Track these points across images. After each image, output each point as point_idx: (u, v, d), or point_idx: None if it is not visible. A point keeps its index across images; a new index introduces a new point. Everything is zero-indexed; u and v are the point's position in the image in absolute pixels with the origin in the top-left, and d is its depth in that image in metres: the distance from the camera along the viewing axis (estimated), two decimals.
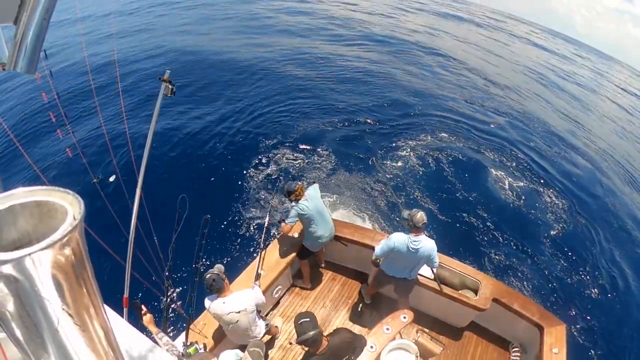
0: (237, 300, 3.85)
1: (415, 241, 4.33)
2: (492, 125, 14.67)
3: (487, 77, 22.21)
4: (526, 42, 43.12)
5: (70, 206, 0.77)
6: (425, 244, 4.37)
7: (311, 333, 3.39)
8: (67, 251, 0.72)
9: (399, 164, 10.75)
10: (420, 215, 4.29)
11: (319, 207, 4.95)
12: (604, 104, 27.44)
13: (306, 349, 3.60)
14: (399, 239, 4.40)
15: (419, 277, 5.02)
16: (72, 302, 0.77)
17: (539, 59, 36.07)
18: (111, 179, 3.69)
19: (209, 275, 3.76)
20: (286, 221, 4.97)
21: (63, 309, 0.75)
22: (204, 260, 3.81)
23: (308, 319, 3.49)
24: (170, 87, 3.37)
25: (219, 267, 3.89)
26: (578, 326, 7.13)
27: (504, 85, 21.54)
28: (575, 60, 46.36)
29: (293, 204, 4.91)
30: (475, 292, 5.05)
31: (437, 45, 26.16)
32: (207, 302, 3.88)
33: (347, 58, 19.17)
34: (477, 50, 29.24)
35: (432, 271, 4.87)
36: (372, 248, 5.39)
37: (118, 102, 9.90)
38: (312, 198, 4.89)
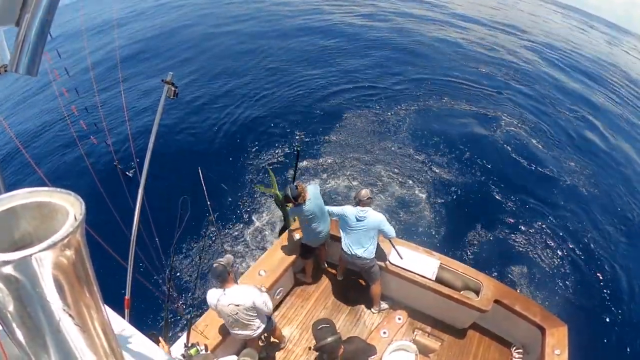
0: (237, 293, 3.84)
1: (362, 210, 4.77)
2: (504, 91, 14.89)
3: (495, 44, 22.52)
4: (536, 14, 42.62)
5: (71, 207, 0.77)
6: (372, 214, 4.80)
7: (329, 339, 3.35)
8: (69, 252, 0.72)
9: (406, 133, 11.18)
10: (365, 192, 4.81)
11: (320, 205, 4.98)
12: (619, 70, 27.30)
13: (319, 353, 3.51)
14: (349, 209, 4.89)
15: (419, 277, 5.03)
16: (73, 302, 0.77)
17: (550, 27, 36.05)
18: (129, 173, 3.68)
19: (216, 264, 3.74)
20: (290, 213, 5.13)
21: (64, 309, 0.75)
22: (206, 261, 3.81)
23: (328, 325, 3.44)
24: (173, 89, 3.35)
25: (228, 258, 3.88)
26: (581, 327, 7.08)
27: (513, 52, 21.90)
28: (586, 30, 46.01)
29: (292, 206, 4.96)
30: (477, 293, 5.04)
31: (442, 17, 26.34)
32: (209, 296, 3.87)
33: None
34: (485, 20, 29.33)
35: (391, 242, 5.13)
36: None
37: (120, 103, 9.91)
38: (315, 197, 4.90)
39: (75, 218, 0.74)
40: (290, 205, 5.09)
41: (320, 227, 5.05)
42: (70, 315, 0.77)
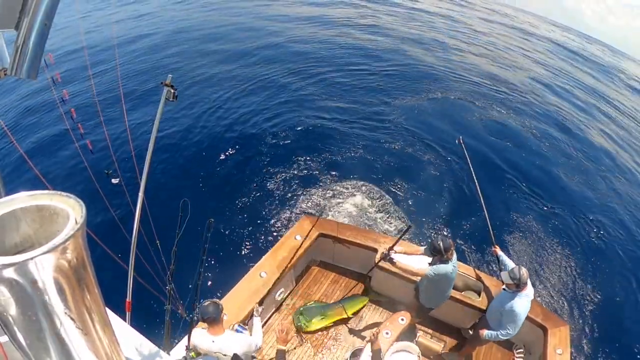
0: (228, 343, 3.38)
1: (528, 295, 4.17)
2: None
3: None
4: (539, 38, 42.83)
5: (72, 210, 0.77)
6: (529, 287, 4.21)
7: None
8: (69, 255, 0.72)
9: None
10: (526, 273, 4.06)
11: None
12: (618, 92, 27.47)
13: None
14: (523, 305, 4.13)
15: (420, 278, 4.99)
16: (75, 305, 0.77)
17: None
18: (115, 180, 3.67)
19: (208, 302, 3.31)
20: (428, 273, 4.23)
21: (65, 312, 0.75)
22: (207, 263, 3.78)
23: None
24: (172, 91, 3.34)
25: (219, 304, 3.41)
26: (582, 326, 7.09)
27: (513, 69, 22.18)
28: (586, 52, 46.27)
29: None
30: (478, 293, 5.03)
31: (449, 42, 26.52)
32: (195, 337, 3.38)
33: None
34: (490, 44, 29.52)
35: None
36: (375, 250, 5.38)
37: (120, 106, 9.89)
38: (455, 263, 4.35)
39: (76, 221, 0.74)
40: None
41: (448, 290, 4.55)
42: (71, 319, 0.77)
